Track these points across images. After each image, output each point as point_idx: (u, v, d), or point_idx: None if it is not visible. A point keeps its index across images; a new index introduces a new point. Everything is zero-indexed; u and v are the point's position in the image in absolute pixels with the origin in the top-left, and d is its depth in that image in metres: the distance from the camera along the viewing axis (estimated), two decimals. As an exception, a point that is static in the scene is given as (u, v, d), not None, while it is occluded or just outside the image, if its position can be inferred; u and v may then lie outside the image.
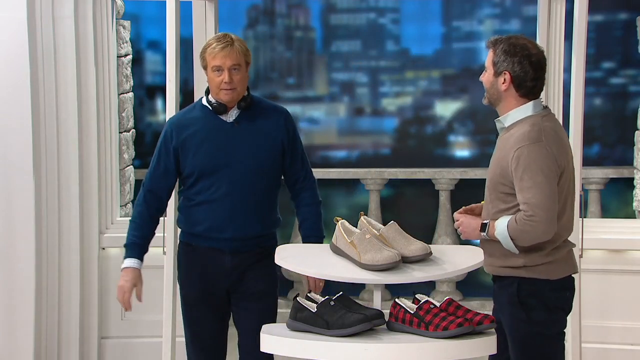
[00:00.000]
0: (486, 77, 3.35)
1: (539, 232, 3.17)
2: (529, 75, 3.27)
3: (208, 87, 3.59)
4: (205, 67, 3.55)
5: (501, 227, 3.23)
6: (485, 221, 3.31)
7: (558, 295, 3.32)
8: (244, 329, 3.64)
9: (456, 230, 3.45)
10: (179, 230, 3.76)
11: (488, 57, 3.34)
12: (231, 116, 3.57)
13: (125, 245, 3.64)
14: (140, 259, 3.63)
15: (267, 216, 3.64)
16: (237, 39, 3.52)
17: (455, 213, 3.47)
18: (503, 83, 3.29)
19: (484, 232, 3.29)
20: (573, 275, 3.37)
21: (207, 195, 3.57)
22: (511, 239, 3.20)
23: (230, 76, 3.48)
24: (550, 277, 3.28)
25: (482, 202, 3.44)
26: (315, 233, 3.65)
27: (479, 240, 3.42)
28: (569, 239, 3.36)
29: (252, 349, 3.48)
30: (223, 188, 3.54)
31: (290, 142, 3.63)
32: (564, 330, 3.37)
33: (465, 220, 3.37)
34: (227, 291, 3.66)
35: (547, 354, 3.31)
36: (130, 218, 3.69)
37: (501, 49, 3.29)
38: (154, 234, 3.69)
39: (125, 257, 3.61)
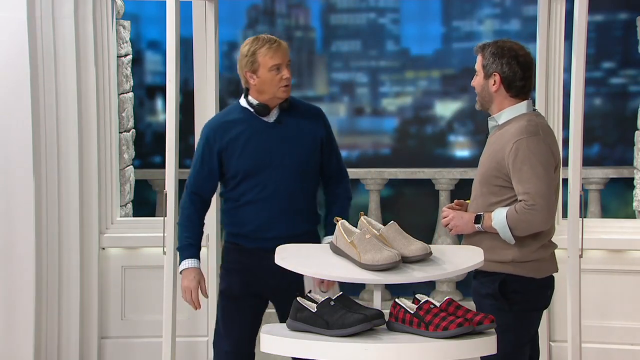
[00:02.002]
0: (477, 81, 3.47)
1: (539, 220, 3.26)
2: (517, 75, 3.38)
3: (246, 88, 3.65)
4: (254, 71, 3.60)
5: (499, 217, 3.31)
6: (479, 213, 3.37)
7: (541, 294, 3.43)
8: None
9: (445, 226, 3.51)
10: (224, 231, 3.81)
11: (477, 62, 3.46)
12: (272, 117, 3.65)
13: (179, 249, 3.73)
14: (197, 257, 3.70)
15: (311, 214, 3.70)
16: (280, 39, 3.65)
17: (444, 208, 3.55)
18: (493, 84, 3.41)
19: (479, 223, 3.36)
20: (553, 275, 3.49)
21: (252, 195, 3.63)
22: (510, 229, 3.29)
23: (289, 72, 3.59)
24: (537, 275, 3.39)
25: (468, 201, 3.52)
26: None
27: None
28: (552, 240, 3.48)
29: None
30: (268, 188, 3.62)
31: (327, 140, 3.72)
32: (537, 329, 3.51)
33: (456, 214, 3.46)
34: (272, 293, 3.67)
35: (517, 347, 3.39)
36: (179, 221, 3.79)
37: (489, 52, 3.42)
38: (203, 232, 3.78)
39: (182, 259, 3.69)
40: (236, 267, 3.71)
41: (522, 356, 3.43)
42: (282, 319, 3.64)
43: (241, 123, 3.64)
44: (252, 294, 3.68)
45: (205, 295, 3.71)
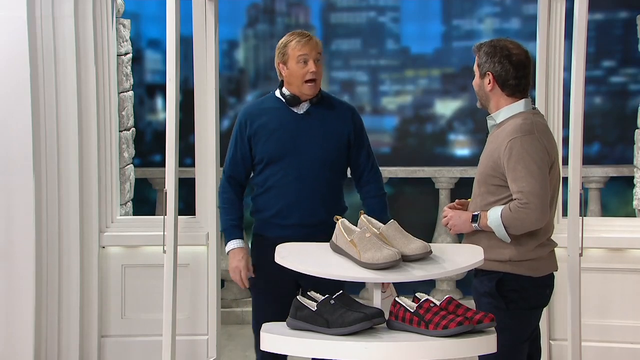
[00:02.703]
0: (475, 81, 3.50)
1: (532, 219, 3.27)
2: (510, 74, 3.39)
3: (281, 80, 3.85)
4: (285, 62, 3.80)
5: (494, 216, 3.33)
6: (475, 212, 3.38)
7: (539, 292, 3.43)
8: None
9: (445, 225, 3.53)
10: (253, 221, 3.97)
11: (475, 62, 3.48)
12: (302, 108, 3.83)
13: (223, 230, 3.91)
14: (242, 238, 3.86)
15: (333, 204, 3.83)
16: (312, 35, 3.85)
17: (444, 207, 3.58)
18: (488, 84, 3.43)
19: (476, 222, 3.38)
20: (554, 273, 3.49)
21: (274, 180, 3.81)
22: (504, 227, 3.30)
23: (317, 66, 3.77)
24: (534, 274, 3.39)
25: (470, 200, 3.53)
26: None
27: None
28: (552, 238, 3.48)
29: None
30: (291, 175, 3.79)
31: (356, 136, 3.87)
32: (537, 325, 3.51)
33: (455, 214, 3.48)
34: (296, 282, 3.76)
35: (514, 346, 3.39)
36: (219, 205, 3.94)
37: (483, 51, 3.46)
38: (243, 214, 3.92)
39: (227, 241, 3.85)
40: (261, 262, 3.84)
41: (519, 355, 3.42)
42: None
43: (272, 111, 3.84)
44: (280, 284, 3.79)
45: (253, 274, 3.82)
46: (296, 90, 3.80)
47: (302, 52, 3.75)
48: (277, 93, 3.86)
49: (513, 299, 3.36)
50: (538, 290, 3.41)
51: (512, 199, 3.32)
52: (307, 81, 3.76)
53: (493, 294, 3.36)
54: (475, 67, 3.46)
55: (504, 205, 3.32)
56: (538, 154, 3.29)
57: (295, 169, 3.78)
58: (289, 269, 3.62)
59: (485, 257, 3.22)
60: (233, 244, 3.83)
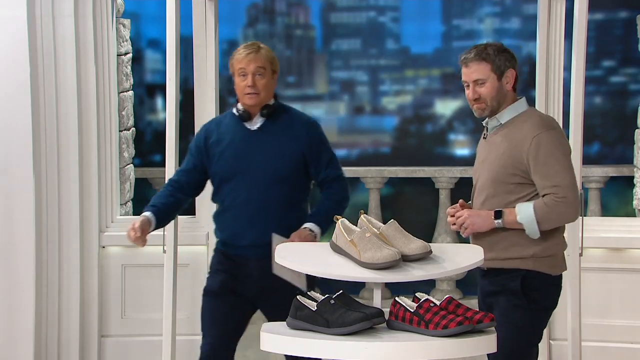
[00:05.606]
0: (489, 88, 3.37)
1: (571, 212, 3.24)
2: (517, 68, 3.40)
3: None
4: (232, 74, 3.68)
5: (526, 212, 3.26)
6: (498, 209, 3.32)
7: (555, 292, 3.40)
8: None
9: (460, 225, 3.42)
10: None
11: (479, 71, 3.37)
12: (255, 124, 3.67)
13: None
14: (154, 213, 3.61)
15: (291, 220, 3.63)
16: (264, 47, 3.70)
17: (449, 209, 3.49)
18: (507, 83, 3.38)
19: (499, 219, 3.31)
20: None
21: (229, 201, 3.67)
22: (537, 223, 3.24)
23: (254, 81, 3.60)
24: (552, 272, 3.35)
25: (469, 203, 3.48)
26: (314, 220, 3.63)
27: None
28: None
29: None
30: (242, 194, 3.63)
31: (313, 152, 3.68)
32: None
33: (472, 212, 3.38)
34: (254, 297, 3.67)
35: (530, 346, 3.37)
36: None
37: (493, 53, 3.37)
38: (173, 211, 3.75)
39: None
40: (220, 268, 3.73)
41: (534, 355, 3.40)
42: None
43: (226, 128, 3.70)
44: (233, 291, 3.68)
45: (138, 233, 3.51)
46: (241, 102, 3.67)
47: (240, 66, 3.62)
48: (234, 109, 3.73)
49: (534, 298, 3.32)
50: (554, 289, 3.37)
51: (534, 196, 3.29)
52: (246, 93, 3.62)
53: (516, 292, 3.31)
54: (486, 74, 3.36)
55: (534, 201, 3.27)
56: (566, 148, 3.29)
57: (245, 189, 3.62)
58: (249, 288, 3.64)
59: (507, 256, 3.21)
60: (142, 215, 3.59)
